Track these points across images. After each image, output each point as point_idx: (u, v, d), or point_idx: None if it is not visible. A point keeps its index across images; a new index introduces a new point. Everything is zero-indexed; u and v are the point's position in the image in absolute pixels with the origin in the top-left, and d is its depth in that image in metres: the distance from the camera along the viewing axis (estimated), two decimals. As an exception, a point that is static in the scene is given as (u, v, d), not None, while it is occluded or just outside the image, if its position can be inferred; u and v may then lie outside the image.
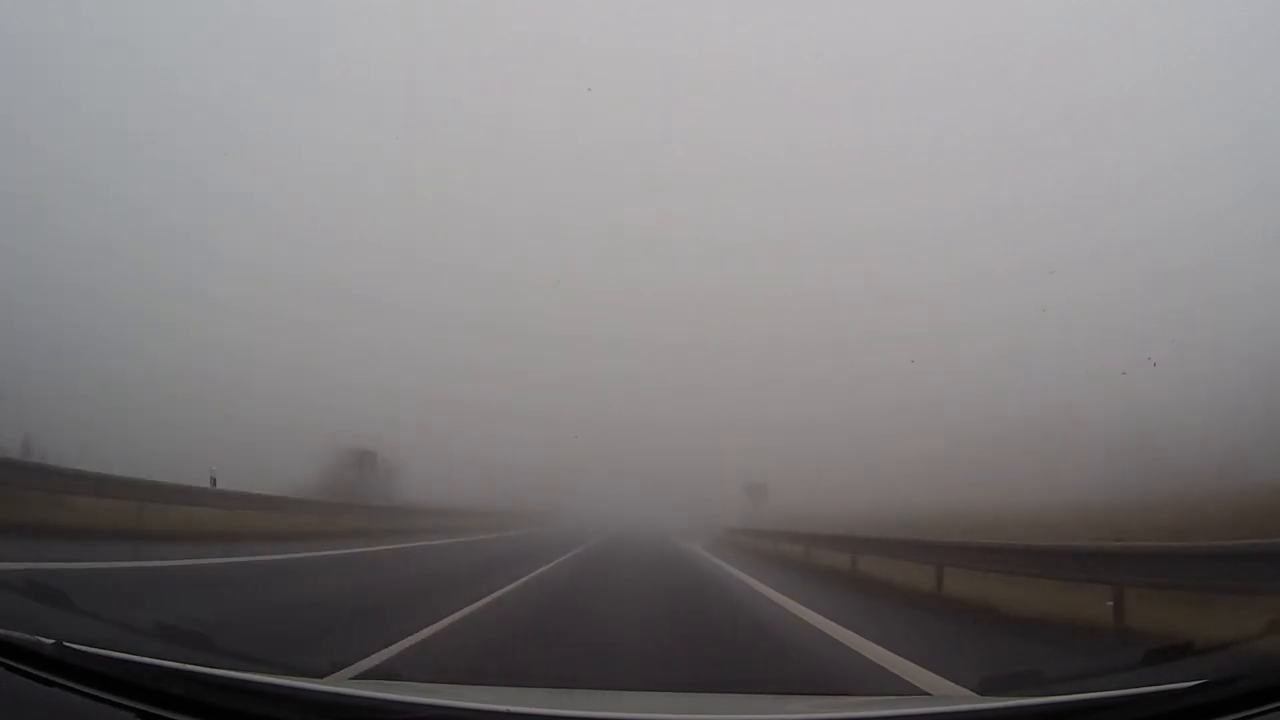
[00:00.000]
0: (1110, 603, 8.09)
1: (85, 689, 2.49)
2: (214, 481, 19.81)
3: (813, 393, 45.95)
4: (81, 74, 53.00)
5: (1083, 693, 2.74)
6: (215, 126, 66.11)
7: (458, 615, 8.55)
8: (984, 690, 4.73)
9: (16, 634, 2.68)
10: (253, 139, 62.28)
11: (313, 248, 57.16)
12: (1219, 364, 23.59)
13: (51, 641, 2.62)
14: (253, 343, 42.76)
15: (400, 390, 45.84)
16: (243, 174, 60.59)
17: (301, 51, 78.32)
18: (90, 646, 2.67)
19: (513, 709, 2.55)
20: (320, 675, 5.03)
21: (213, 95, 66.25)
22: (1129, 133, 52.65)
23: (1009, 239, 48.55)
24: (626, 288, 68.57)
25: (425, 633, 7.29)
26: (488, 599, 10.01)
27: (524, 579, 13.07)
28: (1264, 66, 44.48)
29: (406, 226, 67.34)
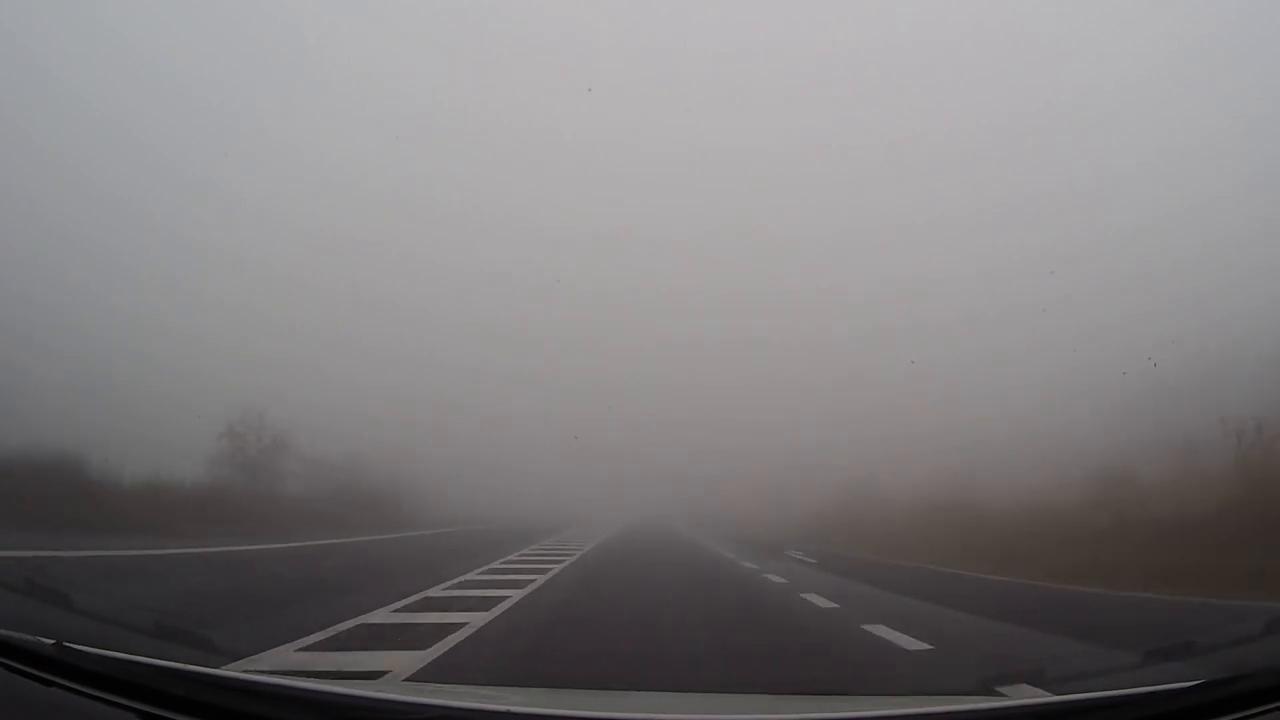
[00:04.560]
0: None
1: (85, 689, 2.50)
2: None
3: (813, 391, 45.98)
4: (83, 74, 52.94)
5: (1083, 693, 2.75)
6: (215, 127, 66.09)
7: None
8: (984, 690, 4.74)
9: (16, 634, 2.68)
10: (251, 139, 62.24)
11: (308, 247, 57.04)
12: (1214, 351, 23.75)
13: (51, 641, 2.63)
14: (248, 341, 42.65)
15: (396, 391, 45.73)
16: (242, 174, 60.55)
17: (299, 52, 78.25)
18: (90, 646, 2.67)
19: (513, 709, 2.56)
20: (234, 658, 5.05)
21: (212, 95, 66.23)
22: (1126, 126, 52.62)
23: (1008, 236, 48.51)
24: (627, 287, 68.50)
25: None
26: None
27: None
28: (1261, 55, 44.48)
29: (402, 226, 67.21)
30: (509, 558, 17.44)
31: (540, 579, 12.88)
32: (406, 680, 5.35)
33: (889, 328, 42.65)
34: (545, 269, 63.44)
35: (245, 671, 2.99)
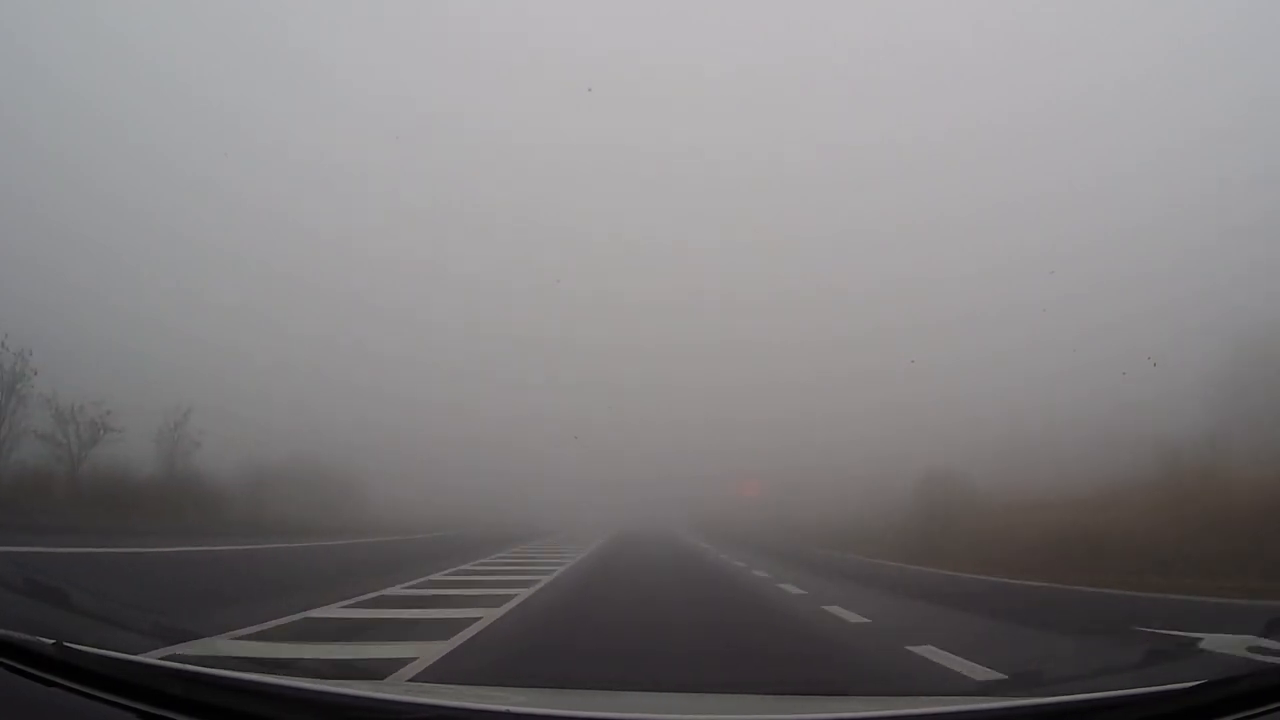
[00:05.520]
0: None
1: (85, 689, 2.50)
2: None
3: (812, 393, 45.89)
4: (83, 74, 52.98)
5: (1083, 693, 2.74)
6: (215, 127, 66.05)
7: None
8: (984, 690, 4.75)
9: (17, 634, 2.68)
10: (251, 139, 62.17)
11: (306, 248, 57.00)
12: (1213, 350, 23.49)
13: (51, 641, 2.63)
14: (251, 346, 42.66)
15: (382, 391, 45.65)
16: (242, 174, 60.57)
17: (299, 52, 78.15)
18: (90, 646, 2.67)
19: (513, 709, 2.56)
20: (185, 639, 4.92)
21: (211, 96, 66.21)
22: (1126, 126, 52.63)
23: (1008, 236, 48.50)
24: (627, 287, 68.37)
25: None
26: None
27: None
28: (1261, 55, 44.53)
29: (397, 224, 67.05)
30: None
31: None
32: (409, 680, 5.35)
33: (889, 327, 42.60)
34: (544, 269, 63.39)
35: (246, 672, 2.99)
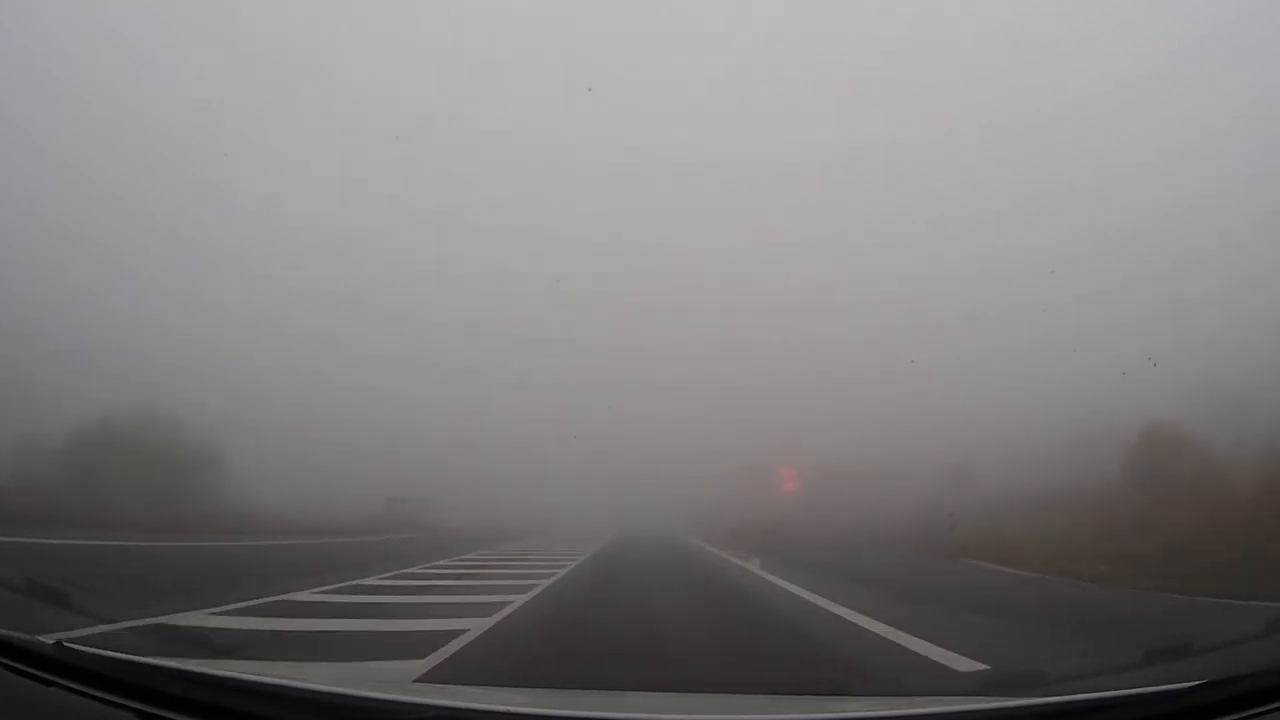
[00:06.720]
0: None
1: (85, 689, 2.50)
2: None
3: (811, 394, 45.72)
4: (83, 74, 52.95)
5: (1083, 693, 2.74)
6: (215, 127, 65.97)
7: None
8: (984, 690, 4.75)
9: (17, 634, 2.68)
10: (251, 139, 62.07)
11: (308, 251, 56.84)
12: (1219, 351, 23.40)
13: (51, 641, 2.63)
14: (251, 349, 42.52)
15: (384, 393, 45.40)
16: (242, 174, 60.50)
17: (299, 51, 78.12)
18: (90, 646, 2.67)
19: (513, 709, 2.56)
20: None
21: (211, 96, 66.16)
22: (1126, 126, 52.64)
23: (1008, 236, 48.43)
24: (628, 287, 68.09)
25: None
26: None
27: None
28: (1261, 55, 44.49)
29: (400, 229, 66.91)
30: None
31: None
32: (411, 681, 5.35)
33: (890, 327, 42.44)
34: (544, 269, 63.22)
35: (247, 674, 2.99)
